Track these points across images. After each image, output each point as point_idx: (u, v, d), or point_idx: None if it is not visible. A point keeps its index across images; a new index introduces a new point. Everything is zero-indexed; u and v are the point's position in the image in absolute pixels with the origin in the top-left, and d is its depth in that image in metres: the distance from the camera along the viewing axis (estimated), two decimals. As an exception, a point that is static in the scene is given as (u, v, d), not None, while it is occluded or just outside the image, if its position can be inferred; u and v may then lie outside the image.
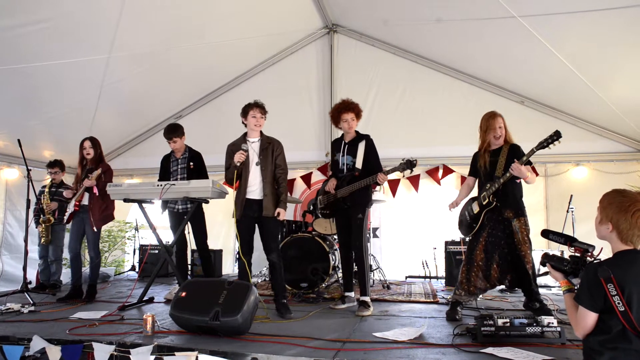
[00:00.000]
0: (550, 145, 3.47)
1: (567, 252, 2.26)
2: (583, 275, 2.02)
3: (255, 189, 3.98)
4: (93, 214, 4.65)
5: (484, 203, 3.74)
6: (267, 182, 4.00)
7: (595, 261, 2.06)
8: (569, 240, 2.30)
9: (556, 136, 3.43)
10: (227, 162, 4.06)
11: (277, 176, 4.07)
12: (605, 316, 1.91)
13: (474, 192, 4.05)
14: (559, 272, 2.17)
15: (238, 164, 3.88)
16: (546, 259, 2.21)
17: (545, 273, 2.28)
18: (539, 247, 5.35)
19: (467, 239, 4.01)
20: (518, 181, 3.76)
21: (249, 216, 3.97)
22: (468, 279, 3.71)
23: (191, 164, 4.88)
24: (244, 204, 3.95)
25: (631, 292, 1.86)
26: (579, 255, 2.16)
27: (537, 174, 6.04)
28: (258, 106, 4.04)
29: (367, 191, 4.15)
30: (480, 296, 4.57)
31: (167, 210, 4.91)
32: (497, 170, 3.73)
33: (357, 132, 4.29)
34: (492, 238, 3.71)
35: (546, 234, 2.49)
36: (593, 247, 2.20)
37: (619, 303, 1.85)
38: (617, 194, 2.02)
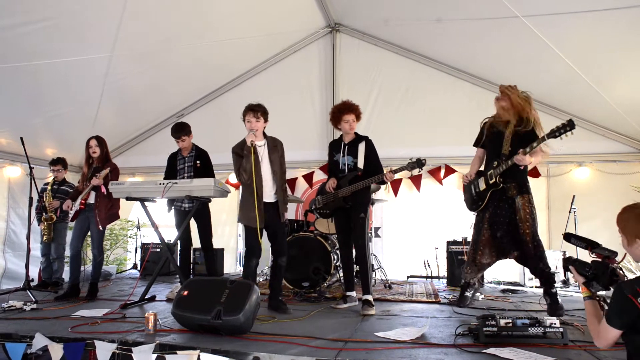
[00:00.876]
0: (563, 136, 3.33)
1: (589, 257, 2.20)
2: (612, 294, 1.93)
3: (267, 191, 3.95)
4: (99, 212, 4.65)
5: (491, 182, 3.76)
6: (279, 186, 4.00)
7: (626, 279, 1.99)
8: (590, 245, 2.24)
9: (569, 126, 3.27)
10: (235, 165, 3.95)
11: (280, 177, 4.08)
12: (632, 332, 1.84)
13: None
14: (581, 277, 2.11)
15: (251, 145, 3.78)
16: (569, 262, 2.17)
17: (566, 266, 2.24)
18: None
19: (473, 214, 4.03)
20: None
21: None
22: (475, 252, 3.84)
23: (198, 162, 4.91)
24: (262, 208, 3.85)
25: None
26: (600, 260, 2.09)
27: (539, 175, 6.04)
28: (250, 110, 3.91)
29: (368, 191, 4.18)
30: (482, 296, 4.58)
31: (172, 209, 4.92)
32: (504, 146, 3.70)
33: (356, 133, 4.31)
34: (495, 217, 3.76)
35: (568, 237, 2.41)
36: (615, 253, 2.13)
37: None
38: (632, 210, 1.96)
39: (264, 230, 4.04)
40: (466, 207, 4.19)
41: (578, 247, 2.36)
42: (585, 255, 2.31)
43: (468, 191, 4.08)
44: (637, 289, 1.79)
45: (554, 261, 4.97)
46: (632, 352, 1.89)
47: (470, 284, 3.86)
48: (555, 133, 3.37)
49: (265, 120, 4.00)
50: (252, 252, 3.94)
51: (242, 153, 3.89)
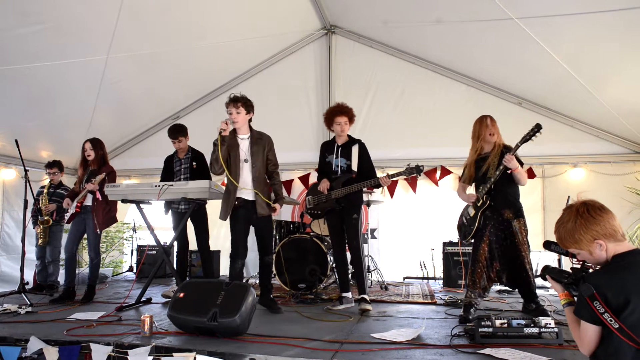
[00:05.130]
0: (533, 138, 3.57)
1: (569, 263, 2.16)
2: (579, 289, 1.86)
3: (247, 187, 3.93)
4: (97, 216, 4.63)
5: (479, 204, 3.82)
6: (259, 181, 3.93)
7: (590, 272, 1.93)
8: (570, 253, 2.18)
9: (537, 128, 3.52)
10: (210, 157, 3.92)
11: (270, 171, 4.07)
12: (605, 330, 1.75)
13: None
14: (559, 285, 2.04)
15: (221, 133, 3.74)
16: (546, 271, 2.11)
17: (544, 275, 2.22)
18: (536, 248, 5.37)
19: (465, 241, 4.05)
20: (513, 179, 3.79)
21: (244, 216, 3.95)
22: (473, 280, 3.78)
23: (194, 164, 4.93)
24: (234, 204, 3.88)
25: (635, 301, 1.67)
26: (579, 266, 2.01)
27: (534, 176, 6.07)
28: (230, 101, 3.89)
29: (361, 192, 4.22)
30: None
31: (170, 211, 4.92)
32: (489, 171, 3.78)
33: (349, 135, 4.34)
34: (493, 237, 3.76)
35: (548, 245, 2.36)
36: None
37: (610, 320, 1.68)
38: (570, 225, 1.89)
39: (249, 230, 4.05)
40: (460, 238, 4.20)
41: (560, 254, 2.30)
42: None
43: (461, 225, 4.10)
44: (594, 292, 1.73)
45: (551, 262, 4.99)
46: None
47: (473, 304, 3.83)
48: (526, 137, 3.58)
49: (248, 112, 3.96)
50: (236, 253, 3.95)
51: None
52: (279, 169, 4.19)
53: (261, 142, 4.01)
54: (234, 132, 4.00)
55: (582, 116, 6.00)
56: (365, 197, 5.21)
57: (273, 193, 4.12)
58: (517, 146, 3.63)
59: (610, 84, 5.22)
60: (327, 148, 4.40)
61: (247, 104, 3.93)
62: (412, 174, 3.97)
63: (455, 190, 6.32)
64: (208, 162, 5.02)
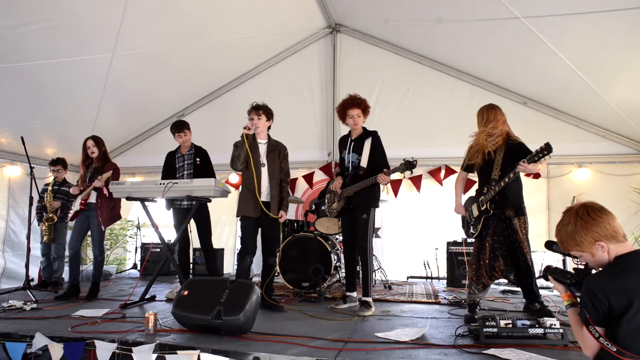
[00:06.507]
0: (542, 160, 3.38)
1: (572, 263, 2.15)
2: (582, 290, 1.87)
3: (263, 190, 4.05)
4: (102, 213, 4.65)
5: (482, 209, 3.75)
6: (274, 184, 4.09)
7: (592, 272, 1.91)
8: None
9: (547, 151, 3.29)
10: (232, 155, 4.06)
11: (280, 179, 4.17)
12: (609, 332, 1.75)
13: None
14: (561, 285, 2.04)
15: (247, 130, 3.93)
16: (548, 272, 2.10)
17: (546, 276, 2.20)
18: (541, 248, 5.35)
19: (470, 239, 4.01)
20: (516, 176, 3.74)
21: (256, 217, 4.03)
22: (478, 276, 3.76)
23: (197, 159, 4.95)
24: (259, 203, 3.97)
25: (638, 303, 1.67)
26: (582, 267, 2.01)
27: (539, 176, 6.04)
28: (253, 109, 4.11)
29: (372, 190, 4.02)
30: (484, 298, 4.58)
31: (172, 208, 4.92)
32: (493, 171, 3.68)
33: (364, 128, 4.20)
34: (496, 237, 3.73)
35: (549, 245, 2.34)
36: None
37: (607, 344, 1.69)
38: (571, 226, 1.87)
39: (258, 229, 4.12)
40: (464, 235, 4.16)
41: (562, 255, 2.29)
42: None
43: (465, 219, 4.06)
44: (588, 317, 1.73)
45: (556, 262, 4.97)
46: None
47: (477, 302, 3.81)
48: (534, 158, 3.36)
49: (268, 119, 4.14)
50: (245, 249, 4.02)
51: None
52: (289, 178, 4.30)
53: (276, 149, 4.18)
54: (253, 136, 4.12)
55: (587, 116, 5.96)
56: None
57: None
58: (523, 162, 3.43)
59: (616, 84, 5.18)
60: (342, 143, 4.29)
61: (267, 112, 4.13)
62: (406, 170, 3.77)
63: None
64: (212, 161, 5.08)
